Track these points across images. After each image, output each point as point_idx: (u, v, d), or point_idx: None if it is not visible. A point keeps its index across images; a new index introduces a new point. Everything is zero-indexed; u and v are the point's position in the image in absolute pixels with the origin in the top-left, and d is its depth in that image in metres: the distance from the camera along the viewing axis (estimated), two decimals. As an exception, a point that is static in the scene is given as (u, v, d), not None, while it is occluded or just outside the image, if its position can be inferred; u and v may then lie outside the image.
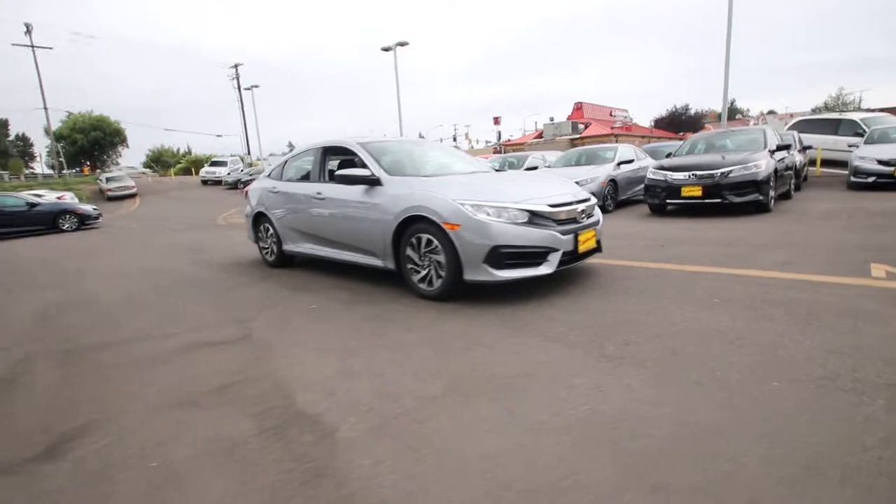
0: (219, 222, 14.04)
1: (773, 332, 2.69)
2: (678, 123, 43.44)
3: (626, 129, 37.50)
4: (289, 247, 5.47)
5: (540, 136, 38.57)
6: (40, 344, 3.44)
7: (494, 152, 39.44)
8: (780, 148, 8.15)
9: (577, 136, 35.13)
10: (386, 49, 23.81)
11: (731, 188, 7.26)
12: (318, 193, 4.83)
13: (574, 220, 3.80)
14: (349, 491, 1.61)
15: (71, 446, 2.03)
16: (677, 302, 3.35)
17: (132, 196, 25.73)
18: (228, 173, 30.49)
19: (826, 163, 13.46)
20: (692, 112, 44.84)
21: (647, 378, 2.26)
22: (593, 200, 4.17)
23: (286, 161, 5.73)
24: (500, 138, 63.68)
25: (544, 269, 3.57)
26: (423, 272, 3.87)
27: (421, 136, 40.30)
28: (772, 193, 7.45)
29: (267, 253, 5.87)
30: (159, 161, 56.53)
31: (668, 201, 7.86)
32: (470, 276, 3.55)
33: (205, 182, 30.95)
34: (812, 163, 13.02)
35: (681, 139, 27.18)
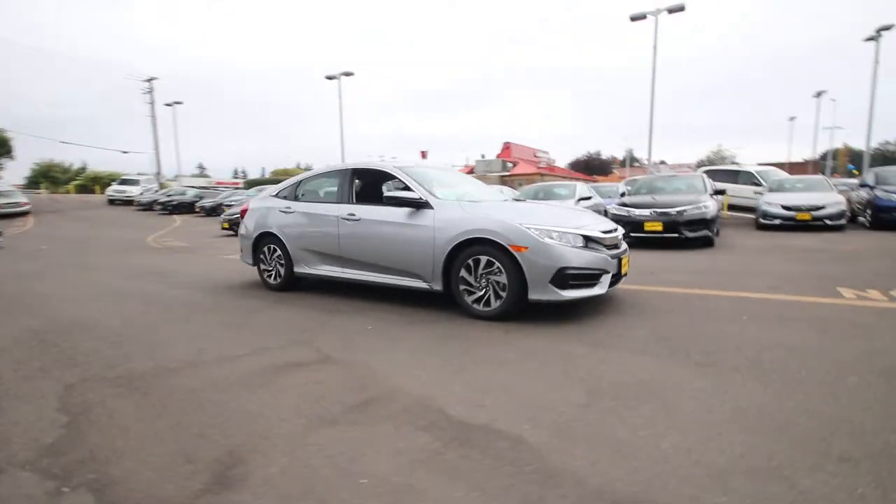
0: (151, 244, 12.85)
1: (814, 340, 3.21)
2: (592, 167, 47.88)
3: (550, 169, 40.48)
4: (302, 269, 5.28)
5: (471, 171, 40.21)
6: (74, 372, 3.01)
7: None
8: (716, 192, 9.49)
9: (506, 173, 37.22)
10: (330, 77, 23.77)
11: (685, 224, 8.29)
12: (352, 215, 4.79)
13: (616, 246, 4.19)
14: (593, 486, 1.71)
15: (238, 473, 1.87)
16: (714, 318, 3.83)
17: (23, 214, 22.47)
18: (141, 193, 27.92)
19: (729, 207, 15.71)
20: (603, 157, 49.65)
21: (752, 380, 2.61)
22: (621, 229, 4.62)
23: (300, 181, 5.59)
24: None
25: (598, 290, 3.89)
26: (479, 293, 4.00)
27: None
28: (716, 230, 8.62)
29: (270, 276, 5.59)
30: (47, 176, 49.94)
31: (631, 234, 8.72)
32: (535, 295, 3.76)
33: (112, 202, 27.95)
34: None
35: (594, 181, 30.07)
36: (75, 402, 2.55)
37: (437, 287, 4.25)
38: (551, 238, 3.76)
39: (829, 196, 11.10)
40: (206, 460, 1.96)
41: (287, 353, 3.28)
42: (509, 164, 38.95)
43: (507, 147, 41.30)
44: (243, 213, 6.08)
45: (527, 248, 3.74)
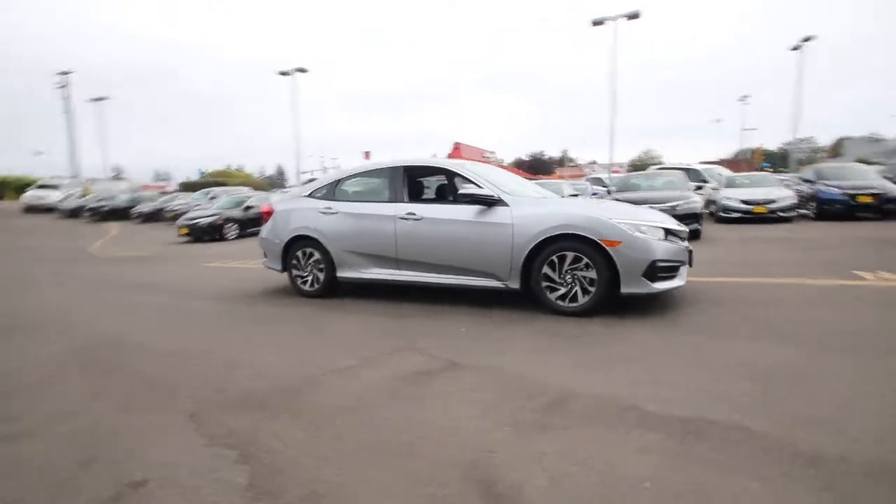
0: (98, 255, 11.65)
1: (874, 319, 3.52)
2: (537, 166, 49.49)
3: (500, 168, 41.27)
4: (346, 273, 4.99)
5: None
6: (182, 399, 2.64)
7: None
8: (696, 188, 10.16)
9: (458, 173, 37.44)
10: (284, 73, 22.70)
11: (679, 218, 8.77)
12: (411, 214, 4.60)
13: (685, 238, 4.36)
14: (861, 461, 1.76)
15: (509, 492, 1.72)
16: (780, 304, 4.08)
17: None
18: (63, 198, 25.15)
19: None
20: (545, 158, 51.50)
21: (878, 358, 2.81)
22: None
23: (339, 179, 5.28)
24: None
25: (679, 282, 4.02)
26: (563, 290, 4.00)
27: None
28: (702, 223, 9.22)
29: (306, 282, 5.23)
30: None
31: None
32: (628, 289, 3.81)
33: (29, 209, 24.90)
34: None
35: (537, 179, 31.19)
36: (221, 433, 2.23)
37: (514, 285, 4.19)
38: (641, 232, 3.84)
39: (780, 191, 12.25)
40: (469, 480, 1.78)
41: (404, 361, 3.09)
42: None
43: (456, 147, 41.52)
44: (266, 215, 5.65)
45: (620, 242, 3.79)
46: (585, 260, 3.89)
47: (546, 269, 4.04)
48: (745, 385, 2.51)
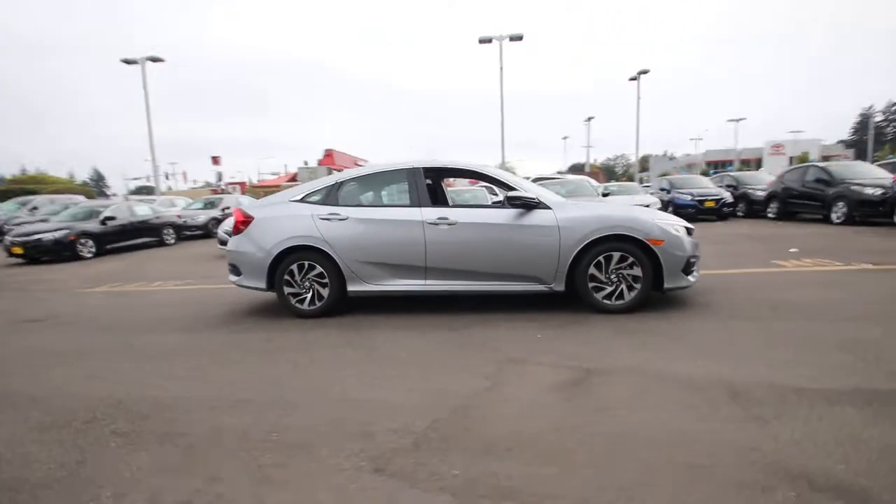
0: None
1: (886, 288, 4.42)
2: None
3: (375, 177, 40.79)
4: (360, 287, 4.44)
5: (293, 178, 37.65)
6: (332, 463, 2.04)
7: (213, 194, 35.54)
8: (604, 194, 11.43)
9: (333, 180, 36.03)
10: (129, 62, 19.13)
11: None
12: (443, 218, 4.28)
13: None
14: None
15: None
16: (784, 289, 4.77)
17: None
18: None
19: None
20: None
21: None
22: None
23: (341, 182, 4.65)
24: (220, 179, 58.64)
25: (697, 275, 4.48)
26: (610, 288, 4.14)
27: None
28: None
29: (303, 300, 4.51)
30: None
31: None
32: (670, 284, 4.11)
33: None
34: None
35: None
36: (445, 485, 1.79)
37: (559, 288, 4.21)
38: (677, 231, 4.18)
39: (649, 198, 14.51)
40: (798, 479, 1.72)
41: (533, 374, 2.86)
42: (335, 172, 37.83)
43: (329, 154, 39.97)
44: (241, 223, 4.71)
45: (663, 241, 4.07)
46: (631, 259, 4.09)
47: (592, 270, 4.14)
48: (841, 356, 2.91)
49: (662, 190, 16.32)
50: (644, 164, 70.73)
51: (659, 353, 3.15)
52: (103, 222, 12.23)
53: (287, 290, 4.54)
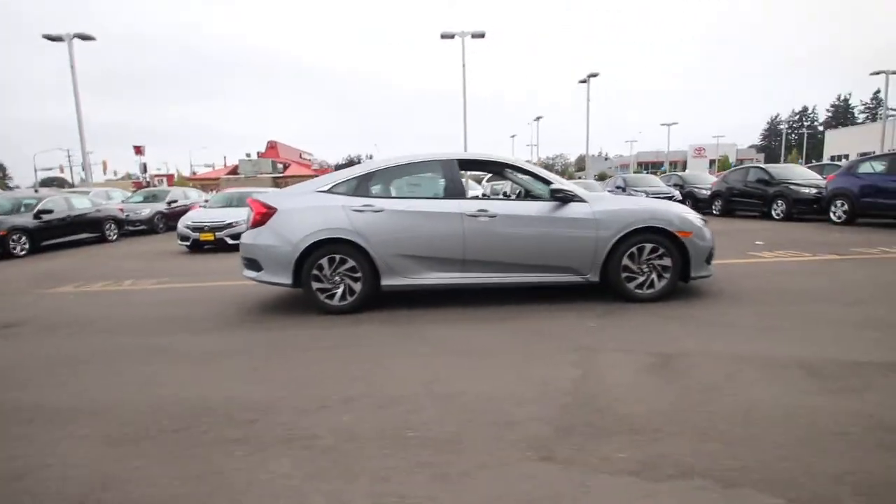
0: None
1: (863, 275, 4.95)
2: (354, 170, 49.10)
3: (324, 171, 39.60)
4: (394, 280, 4.33)
5: (234, 171, 35.59)
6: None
7: (137, 187, 32.61)
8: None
9: (279, 174, 34.62)
10: (53, 38, 17.11)
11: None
12: (483, 211, 4.27)
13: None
14: None
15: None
16: (775, 278, 5.24)
17: None
18: None
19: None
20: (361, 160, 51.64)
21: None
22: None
23: (371, 173, 4.48)
24: (145, 170, 54.61)
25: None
26: (642, 278, 4.35)
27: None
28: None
29: (333, 295, 4.32)
30: None
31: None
32: (696, 273, 4.38)
33: None
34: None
35: None
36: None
37: (595, 278, 4.35)
38: (701, 223, 4.46)
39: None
40: None
41: (619, 362, 2.94)
42: (279, 165, 36.28)
43: (272, 146, 38.20)
44: (261, 216, 4.41)
45: (691, 233, 4.32)
46: (661, 250, 4.31)
47: (626, 261, 4.32)
48: (872, 333, 3.27)
49: (618, 188, 17.25)
50: (581, 163, 74.13)
51: (715, 337, 3.36)
52: (38, 216, 10.93)
53: (315, 285, 4.32)
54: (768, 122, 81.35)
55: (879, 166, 9.89)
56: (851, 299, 4.22)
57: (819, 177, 12.24)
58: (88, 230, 12.19)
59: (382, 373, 2.90)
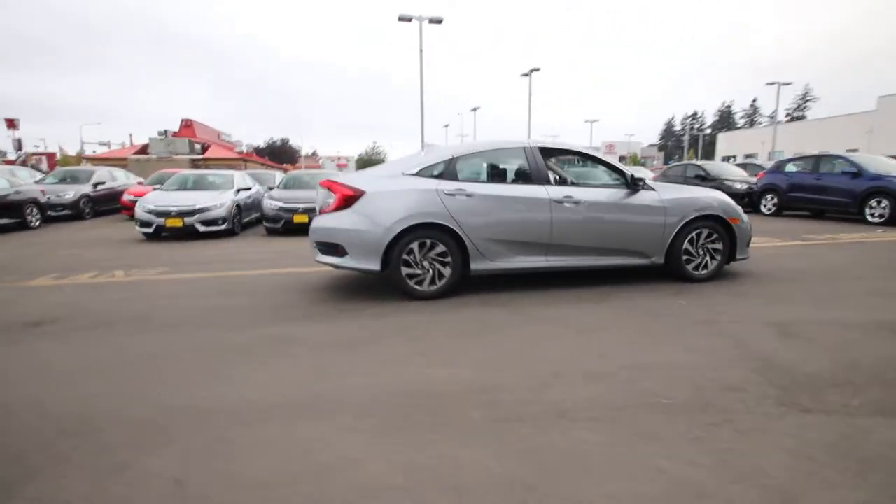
0: None
1: (843, 257, 5.88)
2: (278, 154, 46.41)
3: (248, 155, 36.95)
4: (484, 265, 4.39)
5: (143, 150, 31.90)
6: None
7: (8, 164, 27.98)
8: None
9: (199, 156, 31.73)
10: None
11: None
12: (568, 197, 4.46)
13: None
14: None
15: None
16: (774, 261, 6.05)
17: None
18: None
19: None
20: (291, 145, 49.01)
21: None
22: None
23: (456, 157, 4.44)
24: (20, 147, 47.73)
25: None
26: (698, 260, 4.84)
27: None
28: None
29: (422, 281, 4.28)
30: None
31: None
32: (740, 255, 4.97)
33: None
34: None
35: (285, 169, 29.79)
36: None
37: (660, 261, 4.77)
38: (742, 210, 5.04)
39: None
40: None
41: (750, 333, 3.33)
42: (198, 146, 33.20)
43: (188, 125, 34.68)
44: (346, 198, 4.20)
45: (738, 220, 4.89)
46: (715, 235, 4.83)
47: (687, 245, 4.78)
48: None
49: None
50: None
51: (790, 308, 3.90)
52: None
53: (405, 270, 4.24)
54: (665, 124, 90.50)
55: (803, 166, 11.65)
56: (852, 275, 5.08)
57: (745, 174, 14.05)
58: (7, 215, 10.38)
59: (552, 350, 3.02)
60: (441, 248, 4.26)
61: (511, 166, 4.72)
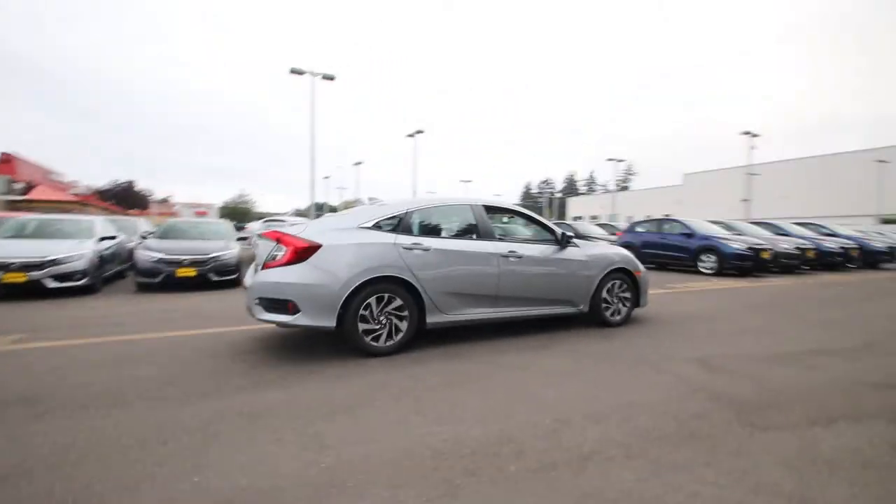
0: None
1: (708, 302, 7.15)
2: (126, 198, 40.71)
3: (87, 198, 31.70)
4: (439, 318, 4.45)
5: (-64, 189, 25.43)
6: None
7: None
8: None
9: (20, 198, 26.42)
10: None
11: (222, 270, 8.70)
12: (512, 252, 4.81)
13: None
14: None
15: None
16: (696, 303, 7.11)
17: None
18: None
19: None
20: (138, 190, 43.45)
21: (840, 318, 6.10)
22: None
23: (409, 212, 4.49)
24: None
25: (635, 296, 6.33)
26: (613, 307, 5.53)
27: None
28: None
29: (379, 336, 4.16)
30: None
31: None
32: (643, 303, 5.79)
33: None
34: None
35: (135, 215, 26.54)
36: None
37: (586, 309, 5.34)
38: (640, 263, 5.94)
39: None
40: None
41: (691, 366, 3.88)
42: (18, 185, 27.64)
43: (7, 160, 28.77)
44: (300, 251, 3.96)
45: (640, 272, 5.74)
46: (625, 285, 5.60)
47: (605, 294, 5.44)
48: (818, 332, 5.07)
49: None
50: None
51: (704, 344, 4.65)
52: None
53: (362, 326, 4.08)
54: (524, 187, 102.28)
55: (650, 227, 14.08)
56: (725, 317, 6.25)
57: (605, 232, 16.44)
58: None
59: (536, 396, 3.17)
60: (398, 301, 4.21)
61: (461, 222, 4.94)
